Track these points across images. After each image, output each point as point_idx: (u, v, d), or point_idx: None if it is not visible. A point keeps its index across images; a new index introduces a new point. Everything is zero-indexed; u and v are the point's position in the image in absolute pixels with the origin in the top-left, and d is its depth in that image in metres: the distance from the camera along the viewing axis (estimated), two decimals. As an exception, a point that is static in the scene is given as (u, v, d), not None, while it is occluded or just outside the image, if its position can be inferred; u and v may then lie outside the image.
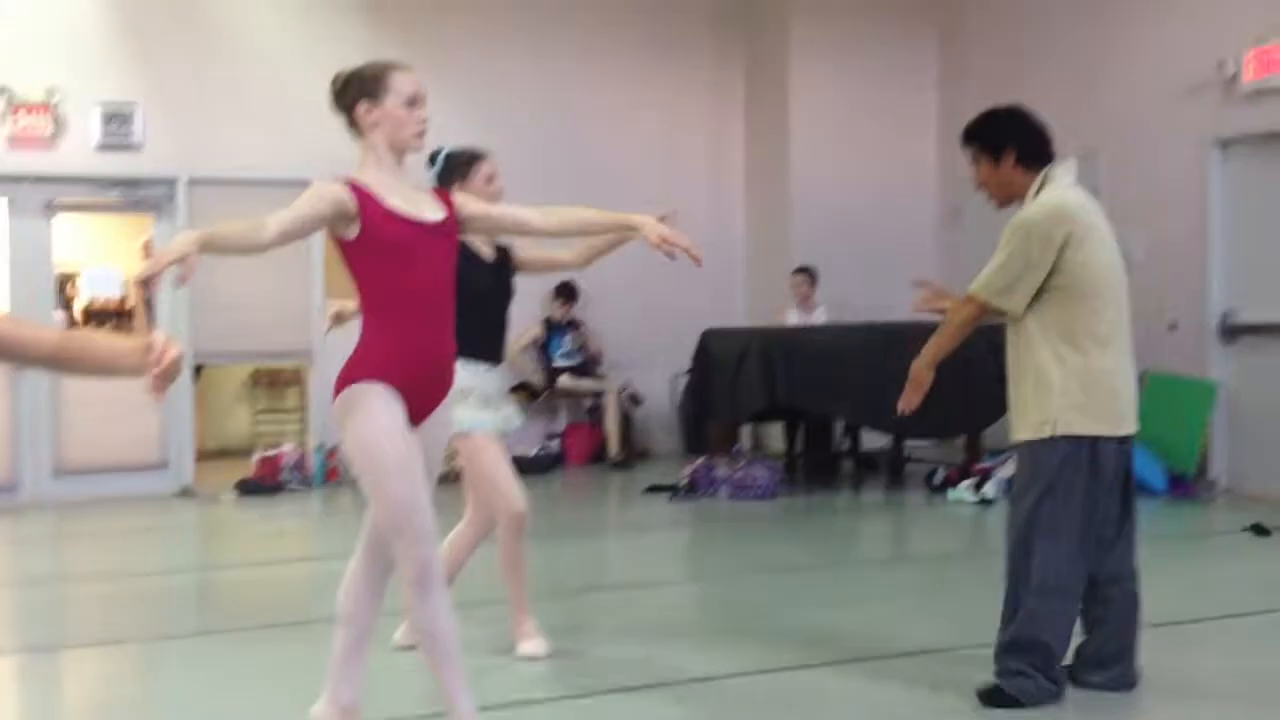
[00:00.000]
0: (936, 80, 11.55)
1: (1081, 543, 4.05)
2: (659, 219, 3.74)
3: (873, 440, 10.19)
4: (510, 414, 4.85)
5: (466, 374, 4.59)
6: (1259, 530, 7.09)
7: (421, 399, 3.45)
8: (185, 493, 9.77)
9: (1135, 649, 4.22)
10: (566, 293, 10.74)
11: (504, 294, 4.89)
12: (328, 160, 10.52)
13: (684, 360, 10.12)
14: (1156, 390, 8.79)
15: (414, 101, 3.52)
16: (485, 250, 4.83)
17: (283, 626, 5.57)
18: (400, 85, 3.52)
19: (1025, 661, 4.04)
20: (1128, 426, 4.13)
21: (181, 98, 9.88)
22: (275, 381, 12.51)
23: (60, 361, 2.52)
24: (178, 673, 4.97)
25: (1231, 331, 8.65)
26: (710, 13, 11.80)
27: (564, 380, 10.82)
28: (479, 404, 4.66)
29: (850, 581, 6.45)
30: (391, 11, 10.50)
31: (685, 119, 11.68)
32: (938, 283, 4.53)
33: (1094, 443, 4.04)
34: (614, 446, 10.72)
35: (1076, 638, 4.21)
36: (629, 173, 11.18)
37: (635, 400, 11.06)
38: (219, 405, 12.40)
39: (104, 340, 2.61)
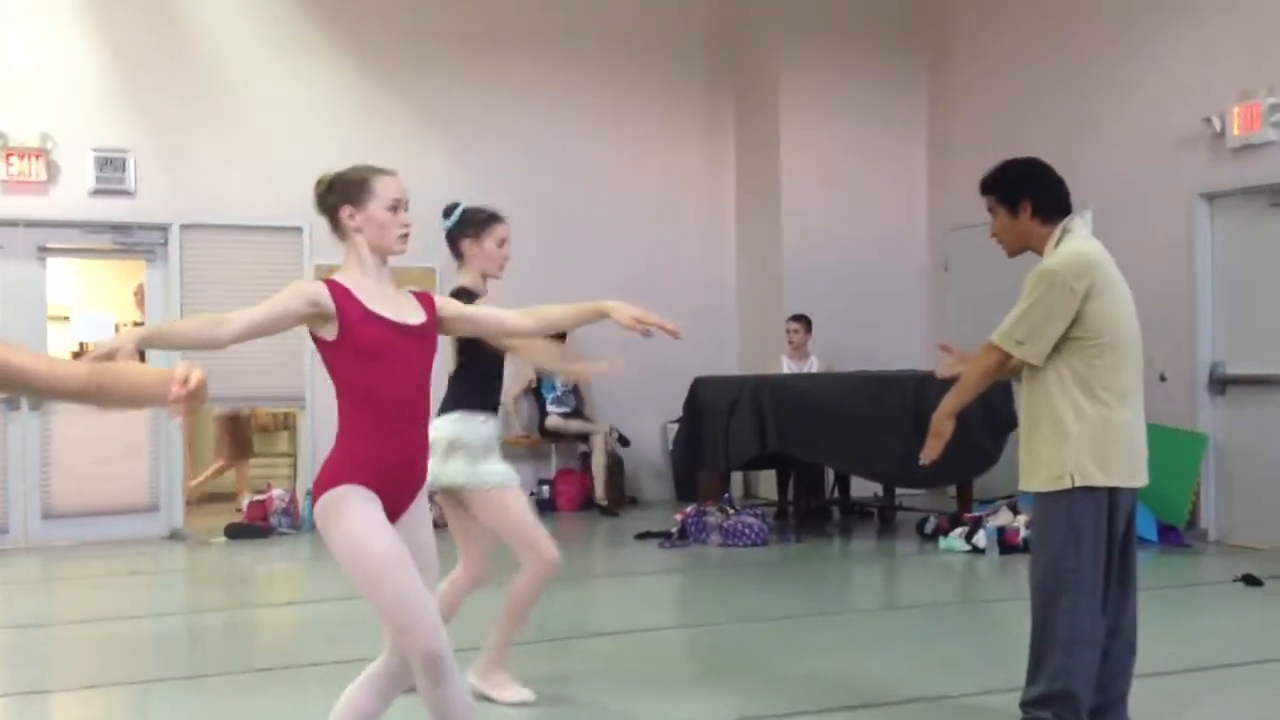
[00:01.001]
0: (926, 132, 11.67)
1: (1103, 592, 4.07)
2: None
3: (864, 488, 10.20)
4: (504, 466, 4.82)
5: (463, 426, 4.62)
6: (1250, 581, 7.09)
7: (396, 497, 3.44)
8: (175, 536, 9.73)
9: (1126, 699, 4.22)
10: (558, 337, 10.76)
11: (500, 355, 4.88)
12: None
13: (675, 408, 10.15)
14: (1147, 442, 8.83)
15: (397, 206, 3.53)
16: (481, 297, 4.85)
17: (272, 671, 5.54)
18: (384, 190, 3.54)
19: (1054, 713, 4.04)
20: (1142, 478, 4.15)
21: (174, 144, 9.92)
22: (266, 426, 12.48)
23: (90, 395, 2.54)
24: (166, 717, 4.93)
25: (1220, 383, 8.70)
26: (701, 66, 11.90)
27: (552, 420, 10.83)
28: (474, 457, 4.64)
29: (842, 629, 6.43)
30: (382, 61, 10.58)
31: (677, 170, 11.75)
32: (959, 348, 4.53)
33: (1111, 494, 4.07)
34: (600, 490, 10.71)
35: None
36: (621, 223, 11.26)
37: (624, 442, 11.05)
38: (209, 449, 12.36)
39: (132, 369, 2.64)
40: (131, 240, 9.97)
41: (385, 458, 3.39)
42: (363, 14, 10.54)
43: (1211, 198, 8.79)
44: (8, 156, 9.43)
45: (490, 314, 3.84)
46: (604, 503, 10.63)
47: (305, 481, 10.29)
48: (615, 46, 11.46)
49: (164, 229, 9.94)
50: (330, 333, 3.38)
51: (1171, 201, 8.95)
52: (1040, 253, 4.19)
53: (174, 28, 10.00)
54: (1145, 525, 8.31)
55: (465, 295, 4.68)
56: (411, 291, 3.65)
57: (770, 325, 11.06)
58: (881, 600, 7.82)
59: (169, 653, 6.25)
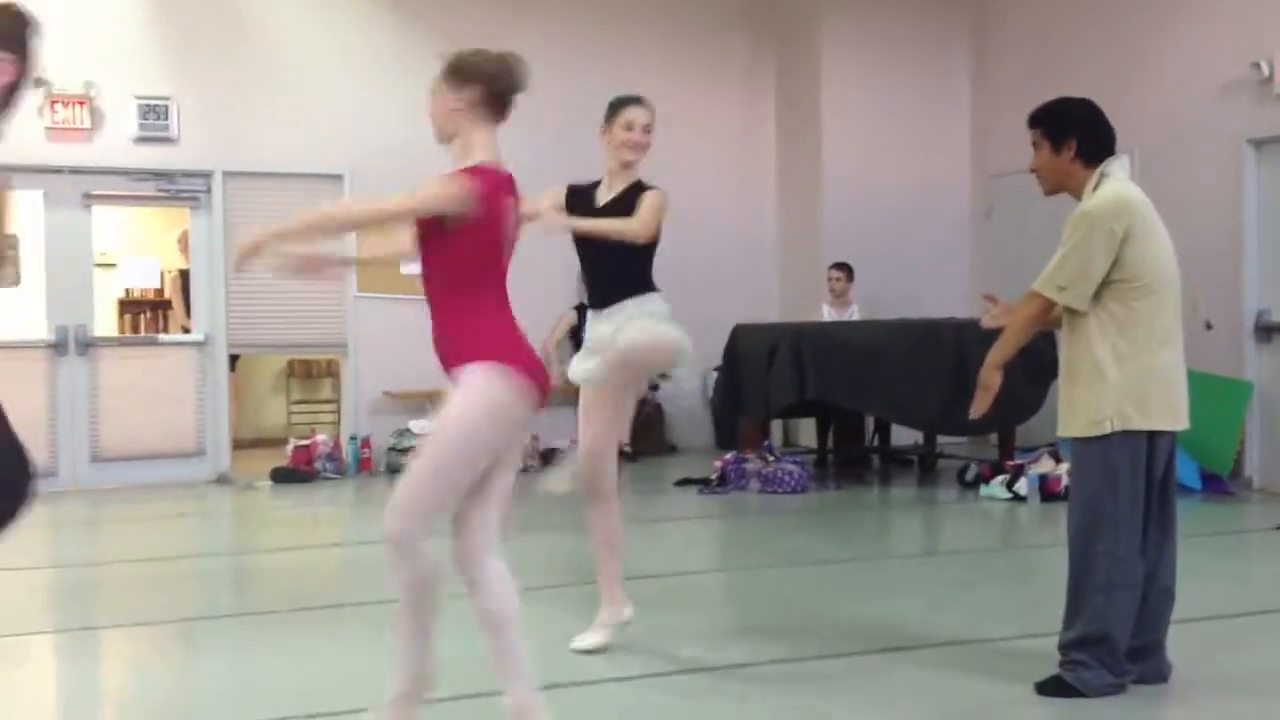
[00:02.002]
0: (969, 77, 11.53)
1: (1142, 536, 4.07)
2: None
3: (904, 436, 10.19)
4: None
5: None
6: (1293, 529, 7.06)
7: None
8: (222, 480, 9.87)
9: (1164, 643, 4.22)
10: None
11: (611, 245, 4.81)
12: (361, 154, 10.68)
13: (715, 356, 10.14)
14: (1190, 390, 8.75)
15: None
16: (605, 195, 4.87)
17: (316, 610, 5.63)
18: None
19: (1091, 655, 4.05)
20: (1183, 421, 4.14)
21: (216, 92, 9.97)
22: (310, 373, 12.61)
23: None
24: (212, 654, 5.03)
25: (1266, 331, 8.61)
26: (742, 12, 11.80)
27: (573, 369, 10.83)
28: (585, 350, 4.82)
29: (881, 574, 6.46)
30: (423, 10, 10.55)
31: (717, 119, 11.68)
32: (1003, 298, 4.51)
33: (1151, 438, 4.06)
34: (626, 437, 10.68)
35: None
36: (662, 172, 11.15)
37: (654, 387, 11.05)
38: (255, 395, 12.51)
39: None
40: (175, 187, 10.04)
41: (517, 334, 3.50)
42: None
43: (1259, 144, 8.66)
44: (52, 104, 9.50)
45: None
46: (628, 449, 10.66)
47: (349, 427, 10.40)
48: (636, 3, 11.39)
49: (207, 176, 10.00)
50: (470, 217, 3.43)
51: (1218, 148, 8.83)
52: (1078, 195, 4.16)
53: (215, -26, 10.02)
54: (1189, 473, 8.27)
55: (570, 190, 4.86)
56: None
57: (811, 273, 11.02)
58: (921, 546, 7.83)
59: (216, 592, 6.36)
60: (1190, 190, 8.93)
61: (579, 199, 4.83)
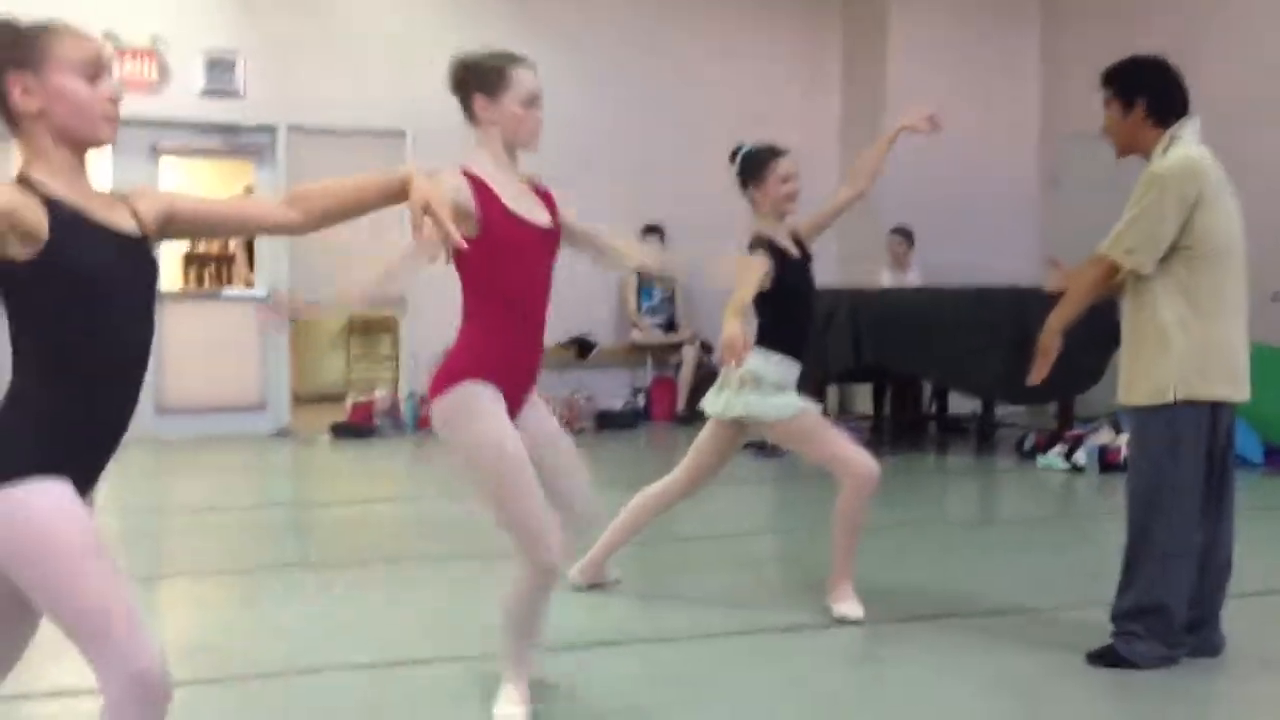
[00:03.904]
0: (1039, 36, 11.36)
1: (1201, 507, 4.03)
2: None
3: (961, 405, 10.12)
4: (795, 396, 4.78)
5: (761, 361, 4.58)
6: (1358, 506, 6.95)
7: (514, 395, 3.43)
8: (282, 433, 10.01)
9: (1219, 616, 4.18)
10: (655, 235, 10.74)
11: (813, 283, 4.93)
12: (423, 111, 10.67)
13: (773, 319, 10.11)
14: (1255, 362, 8.59)
15: (532, 101, 3.45)
16: (791, 247, 4.79)
17: (375, 562, 5.72)
18: (520, 82, 3.45)
19: (1144, 625, 4.03)
20: (1245, 392, 4.08)
21: (282, 47, 10.03)
22: (370, 329, 12.72)
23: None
24: (274, 602, 5.12)
25: (1337, 303, 8.44)
26: (810, -31, 11.69)
27: (637, 335, 10.84)
28: (765, 392, 4.64)
29: (934, 541, 6.44)
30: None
31: (779, 78, 11.59)
32: (1067, 265, 4.45)
33: (1214, 407, 4.01)
34: (682, 401, 10.74)
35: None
36: (722, 132, 11.12)
37: (707, 349, 11.05)
38: (315, 351, 12.64)
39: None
40: (240, 141, 10.14)
41: (509, 355, 3.38)
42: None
43: (1336, 110, 8.47)
44: (120, 56, 9.61)
45: (600, 237, 3.76)
46: (684, 413, 10.69)
47: (407, 384, 10.49)
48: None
49: (271, 130, 10.08)
50: (468, 229, 3.29)
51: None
52: (1147, 157, 4.09)
53: (282, -70, 10.06)
54: (1251, 446, 8.16)
55: (758, 242, 4.65)
56: (531, 185, 3.58)
57: (871, 237, 10.93)
58: (975, 514, 7.79)
59: (278, 541, 6.47)
60: (1265, 153, 8.75)
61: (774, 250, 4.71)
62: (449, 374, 3.39)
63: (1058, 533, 6.77)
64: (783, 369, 4.68)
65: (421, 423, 10.23)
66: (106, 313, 2.31)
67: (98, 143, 2.35)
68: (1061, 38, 11.05)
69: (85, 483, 2.35)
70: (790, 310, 4.70)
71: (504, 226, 3.36)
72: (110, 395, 2.37)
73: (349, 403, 10.29)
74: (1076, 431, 8.60)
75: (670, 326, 10.94)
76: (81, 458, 2.34)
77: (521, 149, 3.49)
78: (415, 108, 10.24)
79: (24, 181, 2.27)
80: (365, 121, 10.18)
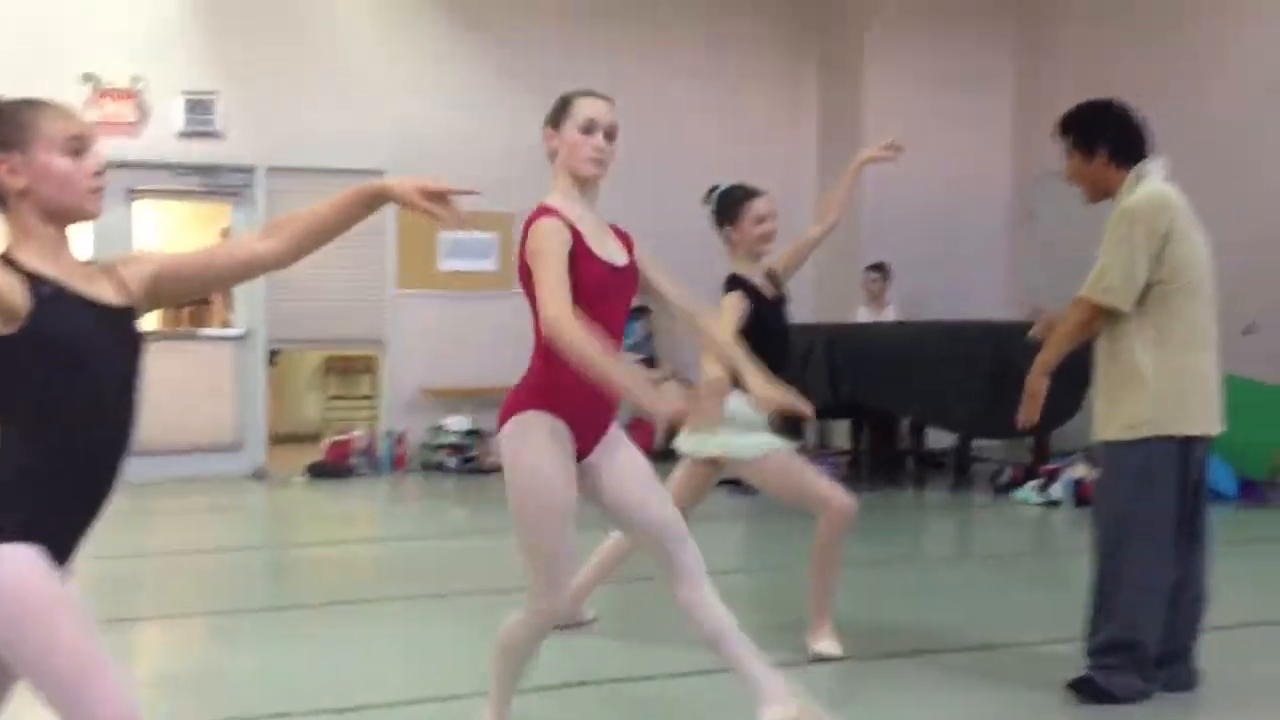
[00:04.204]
0: (1013, 75, 11.47)
1: (1174, 541, 4.04)
2: None
3: (938, 439, 10.15)
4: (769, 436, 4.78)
5: (734, 402, 4.53)
6: (1332, 538, 6.99)
7: (587, 429, 3.38)
8: (258, 474, 9.96)
9: (1194, 651, 4.19)
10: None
11: (788, 326, 4.95)
12: (403, 150, 10.72)
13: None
14: (1230, 393, 8.65)
15: (590, 126, 3.39)
16: (767, 288, 4.82)
17: (351, 604, 5.68)
18: (580, 110, 3.41)
19: (1120, 659, 4.03)
20: (1218, 426, 4.11)
21: (261, 87, 10.06)
22: (348, 369, 12.71)
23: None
24: (250, 645, 5.08)
25: (1310, 336, 8.52)
26: (785, 10, 11.79)
27: None
28: (740, 431, 4.65)
29: (912, 577, 6.45)
30: (466, 6, 10.60)
31: (758, 116, 11.68)
32: (1047, 309, 4.48)
33: (1188, 441, 4.03)
34: (661, 437, 10.71)
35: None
36: (701, 168, 11.20)
37: (686, 384, 11.05)
38: (292, 391, 12.61)
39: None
40: (218, 182, 10.15)
41: (578, 390, 3.27)
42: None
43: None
44: (99, 98, 9.62)
45: (673, 293, 3.62)
46: (663, 450, 10.67)
47: (385, 424, 10.47)
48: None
49: (250, 171, 10.10)
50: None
51: (1270, 147, 8.73)
52: (1114, 195, 4.12)
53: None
54: (1226, 480, 8.21)
55: (734, 283, 4.66)
56: (611, 226, 3.54)
57: (847, 273, 10.99)
58: (953, 550, 7.80)
59: (252, 585, 6.43)
60: (1241, 190, 8.84)
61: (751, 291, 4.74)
62: (513, 405, 3.35)
63: (1034, 567, 6.79)
64: (756, 408, 4.69)
65: (398, 462, 10.21)
66: (86, 383, 2.32)
67: (85, 217, 2.37)
68: (1036, 75, 11.17)
69: (64, 548, 2.36)
70: (765, 350, 4.68)
71: (585, 265, 3.29)
72: (91, 465, 2.38)
73: (326, 443, 10.26)
74: (1052, 466, 8.63)
75: (650, 363, 10.95)
76: (60, 523, 2.35)
77: (583, 176, 3.40)
78: (394, 147, 10.29)
79: (6, 260, 2.29)
80: (345, 161, 10.19)
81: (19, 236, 2.33)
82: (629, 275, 3.44)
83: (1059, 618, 5.17)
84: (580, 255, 3.30)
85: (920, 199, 11.11)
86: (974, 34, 11.39)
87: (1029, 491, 8.46)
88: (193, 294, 2.68)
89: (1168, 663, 4.13)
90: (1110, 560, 4.06)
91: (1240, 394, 8.57)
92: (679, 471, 4.91)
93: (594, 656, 4.74)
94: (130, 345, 2.42)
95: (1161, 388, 3.98)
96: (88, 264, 2.43)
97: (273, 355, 10.62)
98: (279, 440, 10.97)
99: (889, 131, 11.09)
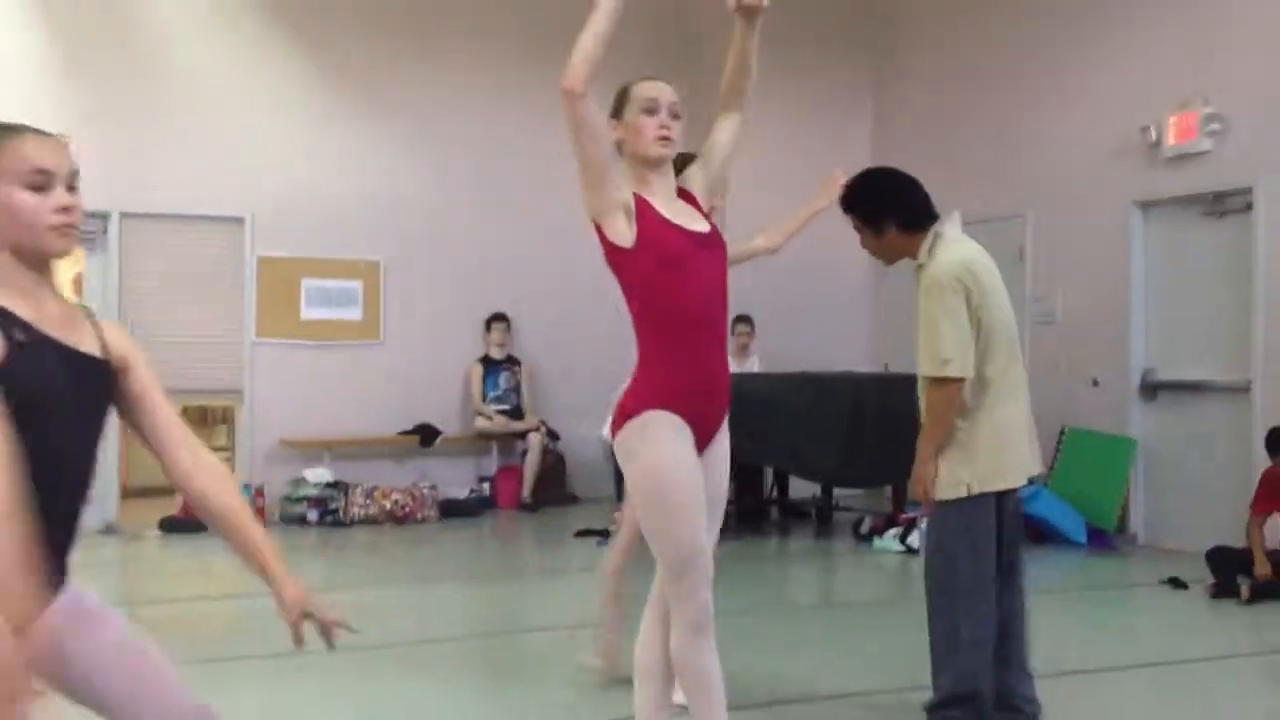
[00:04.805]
0: (870, 134, 11.78)
1: (992, 592, 4.15)
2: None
3: (802, 489, 10.29)
4: None
5: None
6: (1176, 583, 7.23)
7: (704, 422, 3.29)
8: (109, 530, 9.64)
9: (1025, 683, 4.29)
10: (502, 323, 10.79)
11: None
12: (262, 196, 10.57)
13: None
14: (1078, 445, 8.98)
15: (654, 107, 3.33)
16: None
17: (205, 664, 5.51)
18: (641, 93, 3.35)
19: (961, 711, 4.12)
20: (1036, 468, 4.25)
21: (115, 132, 9.81)
22: (205, 419, 12.39)
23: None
24: (88, 712, 4.89)
25: (1152, 389, 8.85)
26: (647, 60, 11.92)
27: (482, 422, 10.74)
28: None
29: (774, 626, 6.49)
30: (330, 50, 10.52)
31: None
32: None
33: (1000, 496, 4.15)
34: (527, 489, 10.68)
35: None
36: (573, 221, 11.28)
37: (553, 436, 11.03)
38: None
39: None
40: (70, 229, 9.84)
41: (688, 378, 3.21)
42: (315, 9, 10.48)
43: (1146, 206, 8.93)
44: (-57, 141, 9.29)
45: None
46: (529, 500, 10.64)
47: (243, 474, 10.22)
48: (549, 39, 11.45)
49: (104, 217, 9.83)
50: (627, 238, 3.21)
51: (1107, 209, 9.10)
52: (914, 257, 4.23)
53: (116, 12, 9.89)
54: (1075, 528, 8.47)
55: None
56: (682, 194, 3.44)
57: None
58: (816, 598, 7.89)
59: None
60: (1080, 251, 9.18)
61: None
62: (625, 410, 3.25)
63: (894, 615, 6.89)
64: None
65: (257, 515, 9.96)
66: (47, 429, 2.22)
67: (51, 255, 2.28)
68: (891, 140, 11.48)
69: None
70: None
71: (662, 234, 3.23)
72: (54, 514, 2.29)
73: (180, 496, 9.96)
74: (909, 515, 8.81)
75: (516, 414, 10.90)
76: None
77: (653, 157, 3.32)
78: (254, 193, 10.14)
79: None
80: (202, 208, 10.02)
81: None
82: (711, 242, 3.36)
83: (912, 665, 5.24)
84: (650, 221, 3.23)
85: (781, 253, 11.28)
86: (829, 92, 11.68)
87: (889, 540, 8.61)
88: (125, 414, 2.56)
89: (1006, 706, 4.22)
90: (945, 618, 4.16)
91: (1086, 445, 8.93)
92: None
93: (464, 709, 4.66)
94: (99, 396, 2.35)
95: (975, 446, 4.07)
96: (72, 308, 2.36)
97: (126, 406, 10.30)
98: (131, 494, 10.64)
99: (750, 187, 11.41)
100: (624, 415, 3.24)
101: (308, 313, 10.40)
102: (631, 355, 3.26)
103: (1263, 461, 7.31)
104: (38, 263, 2.29)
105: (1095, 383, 8.96)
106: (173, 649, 5.88)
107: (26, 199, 2.24)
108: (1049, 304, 9.35)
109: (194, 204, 9.98)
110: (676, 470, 3.18)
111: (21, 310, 2.22)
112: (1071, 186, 9.38)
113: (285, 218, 10.13)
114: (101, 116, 9.79)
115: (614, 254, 3.25)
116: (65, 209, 2.27)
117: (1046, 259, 9.38)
